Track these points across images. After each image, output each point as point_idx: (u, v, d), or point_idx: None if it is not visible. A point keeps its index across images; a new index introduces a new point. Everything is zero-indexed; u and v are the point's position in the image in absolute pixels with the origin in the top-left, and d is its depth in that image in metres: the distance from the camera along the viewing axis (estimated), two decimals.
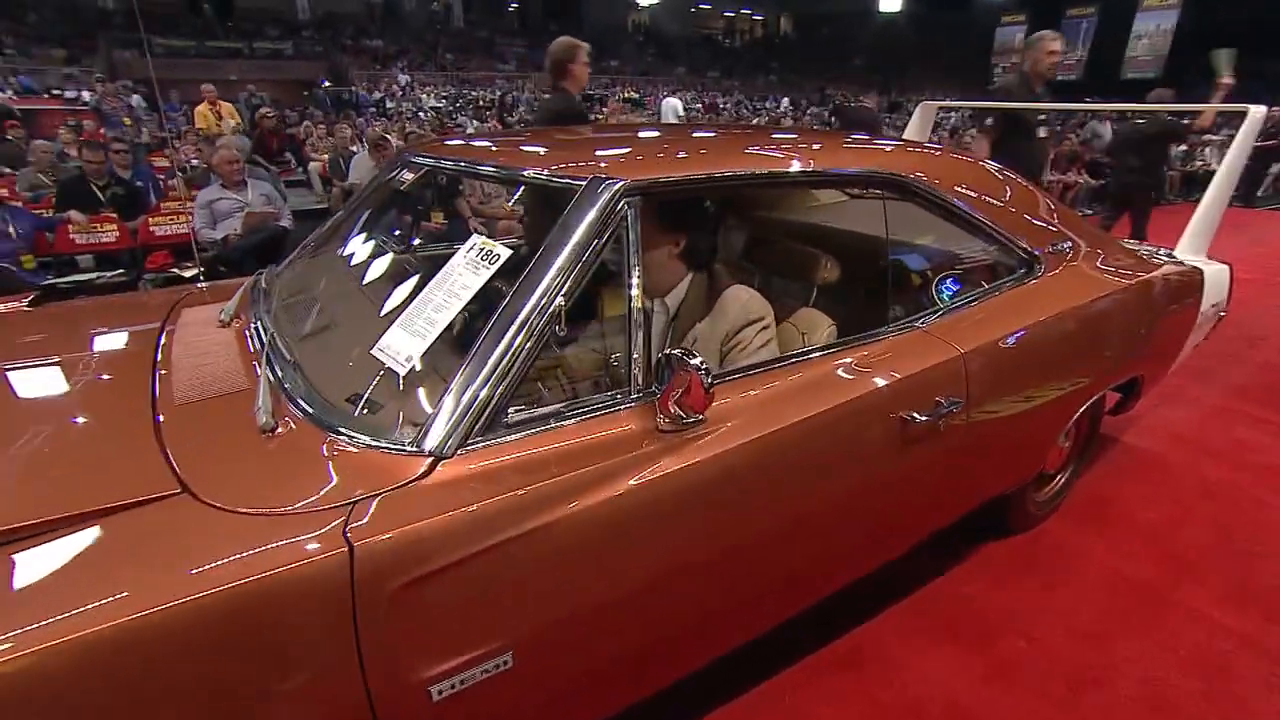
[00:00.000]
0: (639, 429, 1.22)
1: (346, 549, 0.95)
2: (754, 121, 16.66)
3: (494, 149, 1.72)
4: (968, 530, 2.16)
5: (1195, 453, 2.94)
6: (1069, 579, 2.18)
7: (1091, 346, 2.09)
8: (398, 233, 1.80)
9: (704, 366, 1.13)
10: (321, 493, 1.03)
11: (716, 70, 32.10)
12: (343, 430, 1.15)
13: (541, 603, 1.14)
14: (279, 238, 4.72)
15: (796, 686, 1.77)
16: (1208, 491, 2.65)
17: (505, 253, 1.23)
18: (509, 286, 1.20)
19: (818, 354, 1.51)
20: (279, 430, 1.18)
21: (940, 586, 2.15)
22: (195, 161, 8.29)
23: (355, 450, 1.12)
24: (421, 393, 1.18)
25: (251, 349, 1.52)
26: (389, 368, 1.20)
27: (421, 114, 16.35)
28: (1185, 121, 5.50)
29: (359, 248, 1.88)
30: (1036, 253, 1.97)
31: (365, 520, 0.99)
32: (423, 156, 1.79)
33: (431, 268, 1.36)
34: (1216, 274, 2.53)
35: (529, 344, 1.14)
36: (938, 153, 2.26)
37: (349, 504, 1.01)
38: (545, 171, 1.39)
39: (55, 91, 13.87)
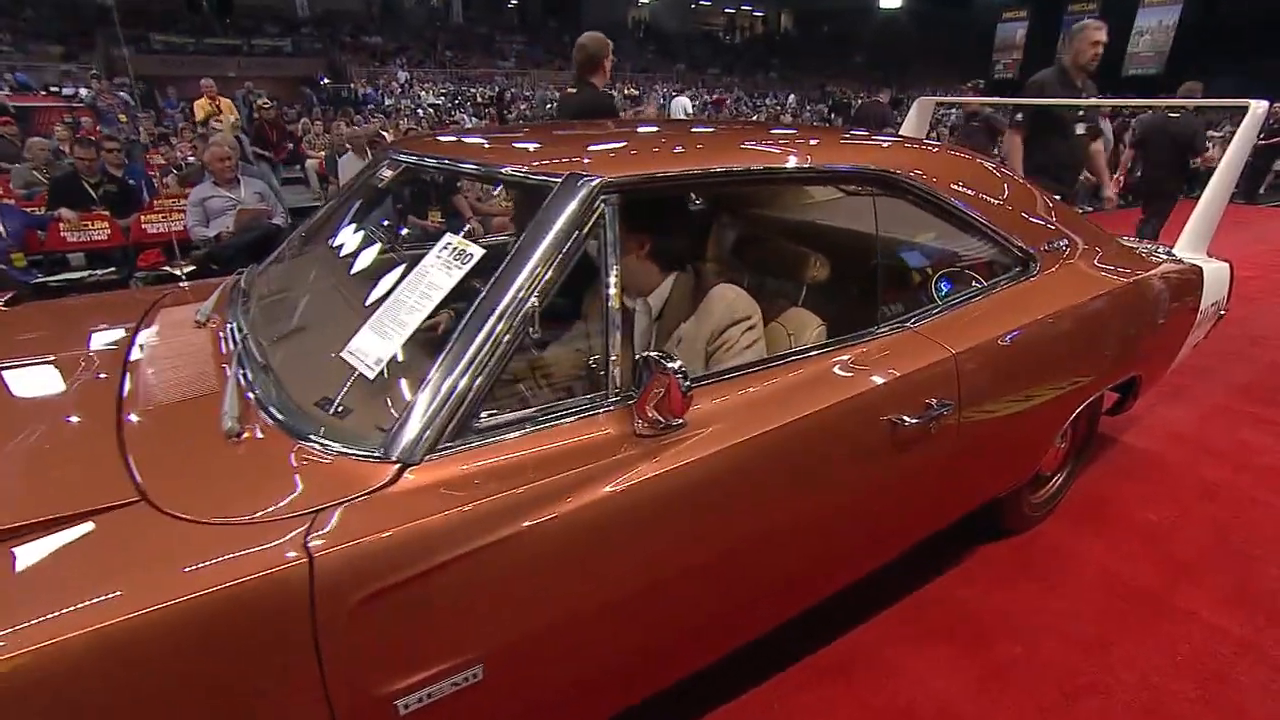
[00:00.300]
0: (617, 433, 1.18)
1: (306, 560, 0.92)
2: (753, 119, 16.61)
3: (475, 145, 1.68)
4: (963, 532, 2.13)
5: (1195, 453, 2.90)
6: (1065, 581, 2.14)
7: (1088, 346, 2.05)
8: (380, 232, 1.76)
9: (682, 370, 1.09)
10: (283, 502, 0.99)
11: (717, 67, 31.99)
12: (309, 436, 1.11)
13: (513, 614, 1.10)
14: (272, 235, 4.69)
15: (786, 694, 1.74)
16: (1207, 492, 2.62)
17: (478, 252, 1.20)
18: (482, 286, 1.16)
19: (804, 355, 1.47)
20: (245, 436, 1.14)
21: (934, 589, 2.11)
22: (191, 159, 8.27)
23: (322, 457, 1.08)
24: (389, 397, 1.14)
25: (225, 351, 1.48)
26: (358, 371, 1.16)
27: (420, 111, 16.32)
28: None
29: (339, 247, 1.83)
30: (1032, 251, 1.93)
31: (327, 530, 0.95)
32: (405, 154, 1.75)
33: (411, 268, 1.32)
34: (1217, 272, 2.49)
35: (501, 347, 1.10)
36: (934, 149, 2.22)
37: (310, 513, 0.97)
38: (524, 168, 1.35)
39: (53, 89, 13.84)
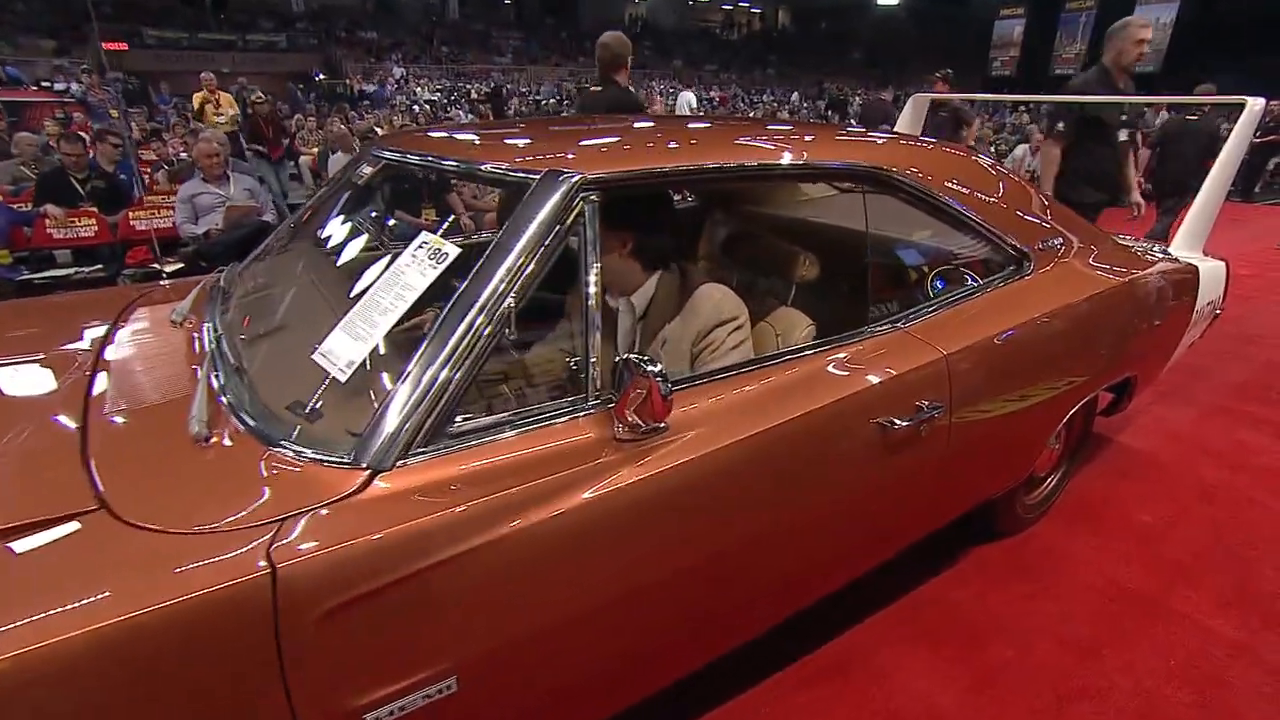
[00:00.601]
0: (597, 438, 1.15)
1: (269, 570, 0.88)
2: (750, 115, 16.54)
3: (457, 141, 1.64)
4: (956, 533, 2.10)
5: (1192, 453, 2.88)
6: (1060, 584, 2.12)
7: (1083, 347, 2.02)
8: (361, 230, 1.72)
9: (662, 373, 1.06)
10: (248, 510, 0.96)
11: (714, 64, 31.90)
12: (278, 441, 1.08)
13: (487, 623, 1.07)
14: (261, 232, 4.64)
15: (777, 697, 1.71)
16: (1204, 493, 2.60)
17: (454, 251, 1.16)
18: (460, 285, 1.12)
19: (791, 356, 1.44)
20: (213, 441, 1.11)
21: (926, 591, 2.09)
22: (183, 155, 8.19)
23: (290, 463, 1.05)
24: (360, 401, 1.10)
25: (199, 352, 1.44)
26: (330, 375, 1.12)
27: (415, 107, 16.24)
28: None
29: (318, 246, 1.80)
30: (1027, 250, 1.90)
31: (291, 539, 0.92)
32: (386, 151, 1.71)
33: (389, 267, 1.28)
34: (1212, 271, 2.46)
35: (476, 349, 1.07)
36: (928, 146, 2.18)
37: (275, 522, 0.93)
38: (503, 165, 1.31)
39: (45, 84, 13.73)
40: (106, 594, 0.83)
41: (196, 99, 8.27)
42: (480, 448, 1.08)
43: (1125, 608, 2.03)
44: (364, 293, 1.22)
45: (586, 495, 1.10)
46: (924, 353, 1.56)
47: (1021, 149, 8.78)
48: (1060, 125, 3.31)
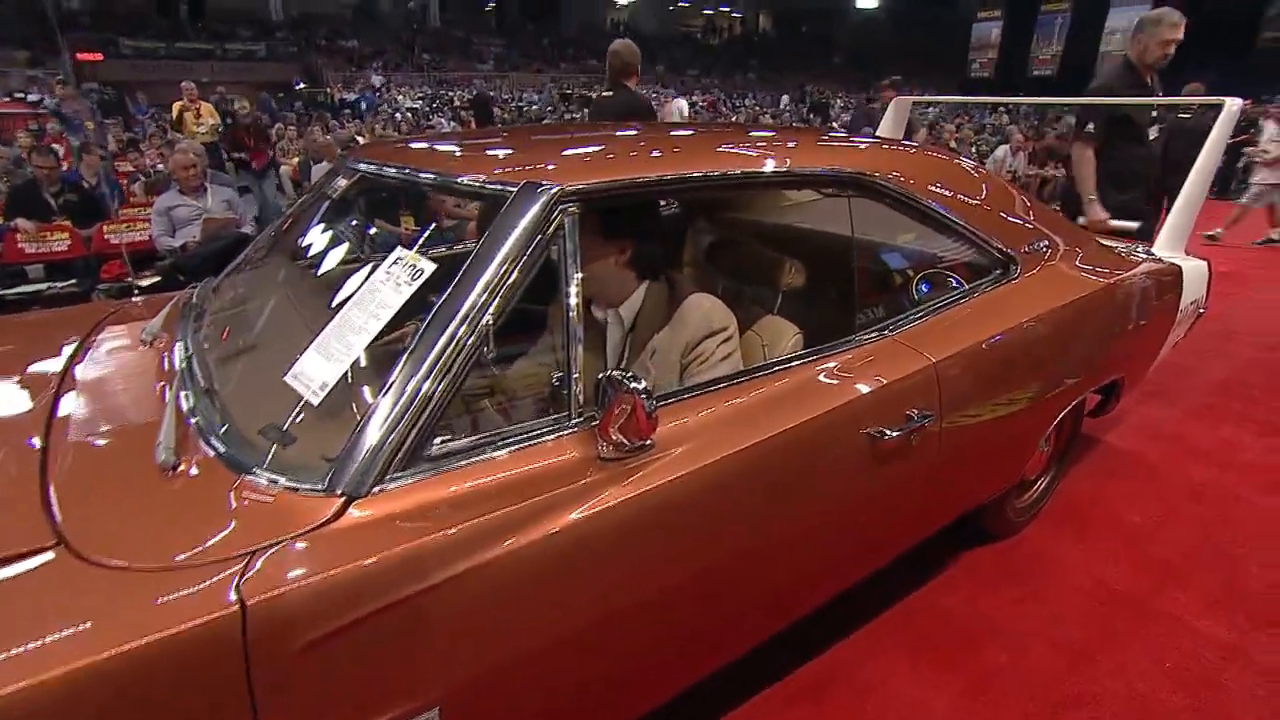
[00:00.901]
0: (580, 457, 1.12)
1: (238, 608, 0.84)
2: (733, 119, 16.57)
3: (433, 152, 1.61)
4: (947, 537, 2.08)
5: (1178, 452, 2.89)
6: (1051, 587, 2.11)
7: (1072, 349, 2.01)
8: (337, 244, 1.68)
9: (646, 389, 1.03)
10: (216, 543, 0.91)
11: (696, 69, 32.03)
12: (249, 468, 1.04)
13: (469, 652, 1.03)
14: (240, 245, 4.56)
15: (765, 715, 1.68)
16: (1192, 492, 2.60)
17: (430, 267, 1.12)
18: (434, 303, 1.09)
19: (780, 367, 1.41)
20: (181, 469, 1.06)
21: (918, 598, 2.07)
22: (160, 166, 8.06)
23: (262, 491, 1.01)
24: (334, 425, 1.06)
25: (169, 373, 1.39)
26: (303, 397, 1.08)
27: (398, 115, 16.13)
28: None
29: (294, 260, 1.75)
30: (1013, 253, 1.89)
31: (261, 573, 0.88)
32: (364, 163, 1.67)
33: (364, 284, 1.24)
34: (1195, 270, 2.47)
35: (453, 369, 1.03)
36: (910, 150, 2.18)
37: (245, 555, 0.89)
38: (480, 177, 1.27)
39: (18, 95, 13.49)
40: (62, 637, 0.79)
41: (175, 108, 8.12)
42: (460, 471, 1.05)
43: (1116, 610, 2.02)
44: (339, 310, 1.18)
45: (571, 518, 1.07)
46: (913, 360, 1.54)
47: (1002, 150, 8.86)
48: (1090, 126, 3.10)
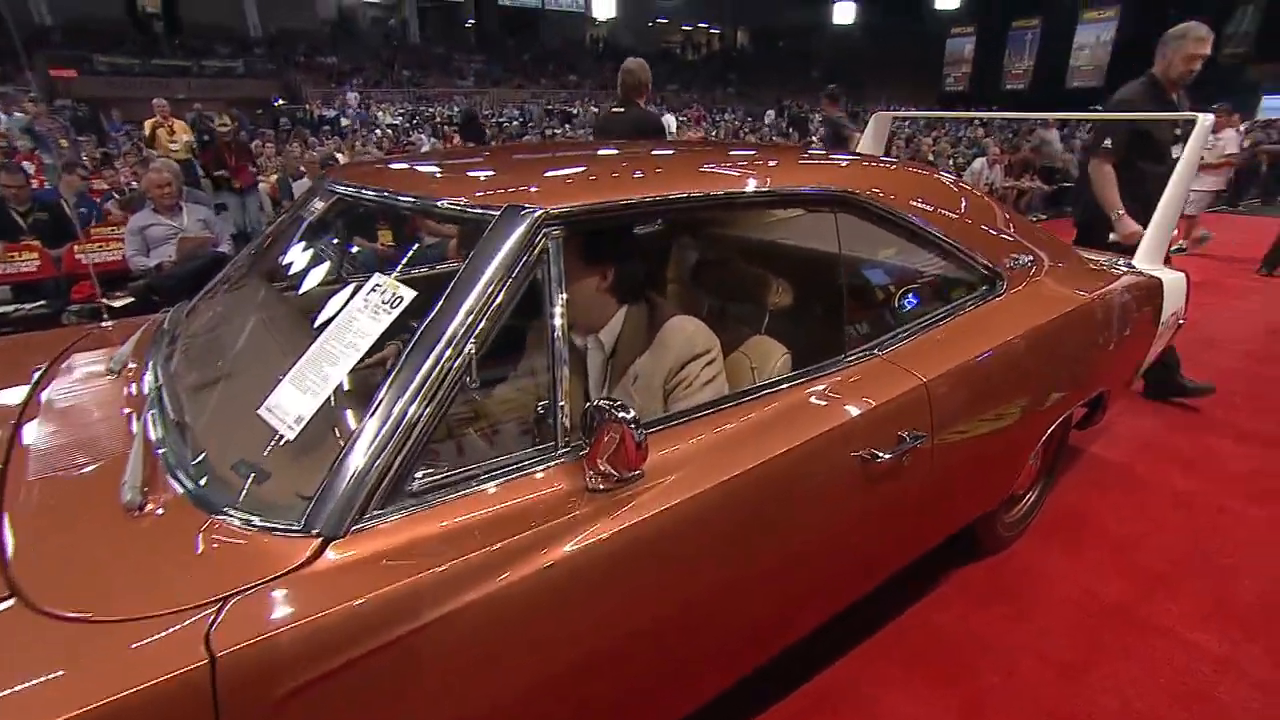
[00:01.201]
0: (568, 489, 1.08)
1: (207, 661, 0.79)
2: (713, 135, 16.67)
3: (413, 174, 1.57)
4: (937, 554, 2.06)
5: (1163, 462, 2.91)
6: (1042, 603, 2.10)
7: (1061, 364, 2.01)
8: (315, 269, 1.63)
9: (635, 419, 1.00)
10: (185, 589, 0.86)
11: (675, 84, 32.28)
12: (221, 508, 0.99)
13: (456, 698, 0.98)
14: (217, 264, 4.48)
15: None
16: (1179, 502, 2.61)
17: (409, 294, 1.09)
18: (413, 332, 1.05)
19: (768, 390, 1.39)
20: (148, 509, 1.01)
21: (910, 616, 2.05)
22: (135, 184, 7.92)
23: (234, 533, 0.96)
24: (310, 461, 1.02)
25: (137, 405, 1.34)
26: (277, 431, 1.04)
27: (378, 131, 16.04)
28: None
29: (272, 283, 1.70)
30: (998, 269, 1.89)
31: (232, 622, 0.83)
32: (340, 185, 1.62)
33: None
34: (1175, 282, 2.50)
35: (435, 400, 0.99)
36: (891, 166, 2.18)
37: (215, 603, 0.84)
38: (461, 200, 1.24)
39: None
40: (15, 695, 0.73)
41: (148, 125, 7.99)
42: (443, 506, 1.01)
43: (1108, 624, 2.02)
44: (315, 339, 1.14)
45: (559, 553, 1.03)
46: (903, 380, 1.53)
47: (979, 162, 8.99)
48: (1107, 141, 2.95)
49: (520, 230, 1.10)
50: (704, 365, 1.42)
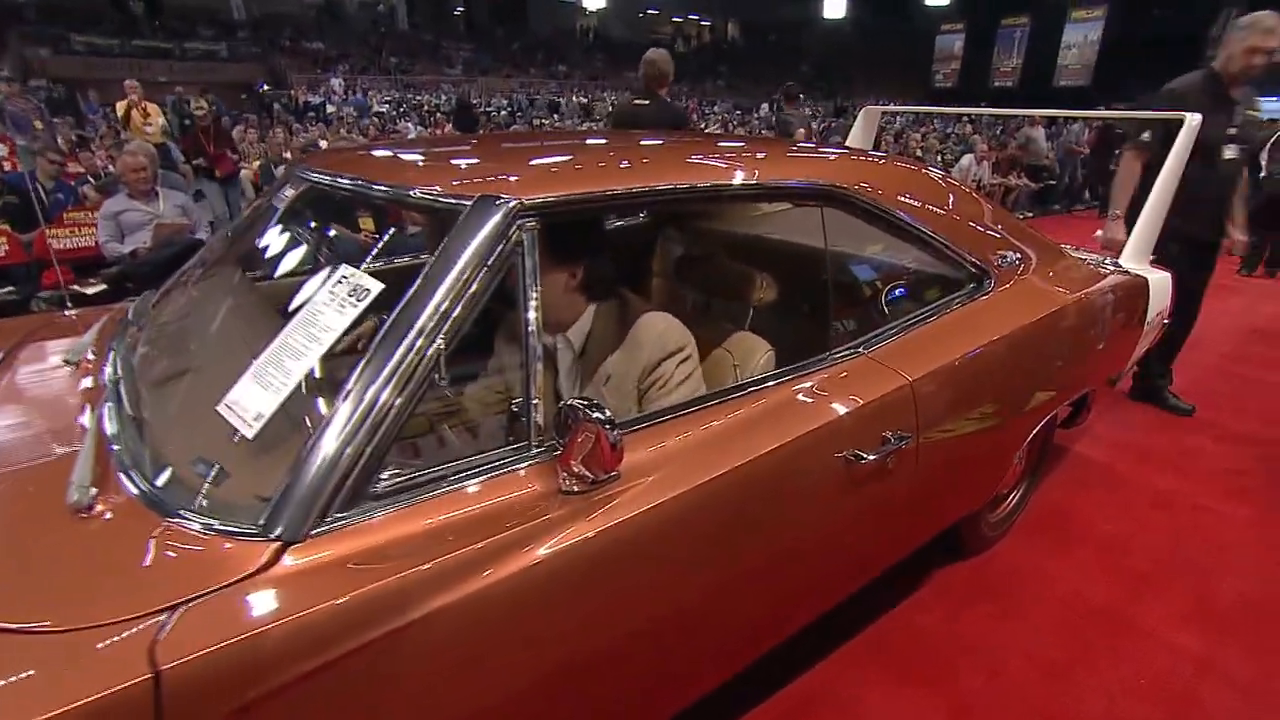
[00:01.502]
0: (541, 491, 1.04)
1: (150, 676, 0.74)
2: (703, 128, 16.58)
3: (386, 161, 1.51)
4: (920, 554, 2.05)
5: (1144, 461, 2.91)
6: (1026, 603, 2.09)
7: (1048, 364, 1.99)
8: (288, 256, 1.57)
9: (610, 419, 0.95)
10: (130, 598, 0.81)
11: None
12: (174, 509, 0.94)
13: (422, 706, 0.94)
14: (193, 251, 4.37)
15: None
16: (1159, 501, 2.62)
17: (376, 286, 1.04)
18: (380, 326, 1.00)
19: (751, 389, 1.35)
20: (97, 510, 0.96)
21: (893, 618, 2.03)
22: (111, 168, 7.72)
23: (187, 536, 0.91)
24: (270, 461, 0.97)
25: (93, 399, 1.28)
26: (237, 429, 0.99)
27: (365, 119, 15.80)
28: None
29: (241, 273, 1.64)
30: (986, 267, 1.87)
31: (179, 634, 0.78)
32: (314, 172, 1.56)
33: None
34: (1160, 282, 2.49)
35: (401, 398, 0.95)
36: (880, 160, 2.14)
37: (161, 612, 0.79)
38: (434, 189, 1.19)
39: None
40: None
41: (120, 106, 7.76)
42: (408, 509, 0.96)
43: (1092, 624, 2.01)
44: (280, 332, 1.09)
45: (532, 558, 0.99)
46: (889, 379, 1.50)
47: (967, 159, 8.99)
48: (1145, 135, 2.73)
49: (493, 221, 1.05)
50: (678, 364, 1.37)
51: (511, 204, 1.06)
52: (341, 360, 1.06)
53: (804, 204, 1.62)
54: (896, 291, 1.85)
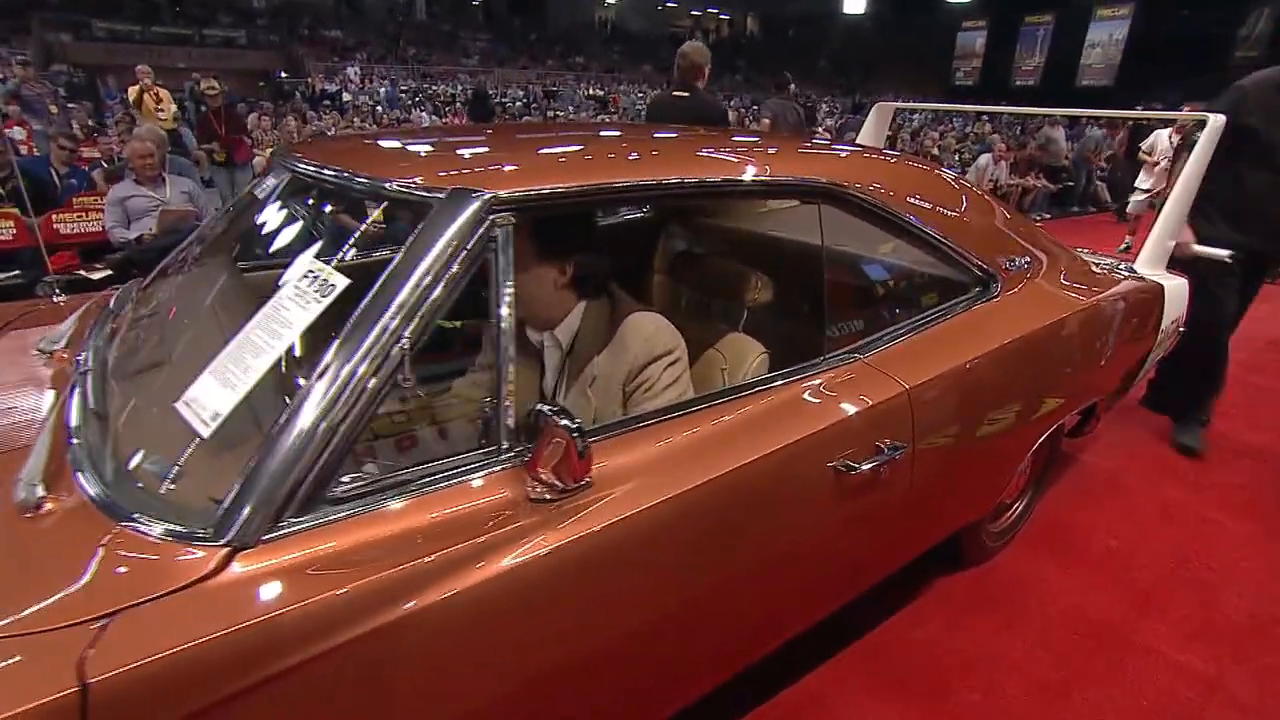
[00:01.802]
0: (510, 498, 0.99)
1: (77, 689, 0.71)
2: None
3: (369, 151, 1.47)
4: (917, 564, 1.99)
5: (1150, 471, 2.83)
6: (1026, 618, 2.03)
7: (1055, 373, 1.92)
8: (268, 247, 1.53)
9: (578, 427, 0.91)
10: (65, 605, 0.78)
11: None
12: (125, 511, 0.90)
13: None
14: None
15: None
16: (1165, 513, 2.55)
17: (342, 282, 0.99)
18: (344, 323, 0.96)
19: (740, 394, 1.30)
20: (46, 509, 0.92)
21: (889, 630, 1.97)
22: (125, 153, 7.75)
23: (136, 539, 0.87)
24: (226, 462, 0.93)
25: (58, 391, 1.24)
26: (194, 428, 0.95)
27: (379, 108, 15.81)
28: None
29: (223, 265, 1.60)
30: (993, 270, 1.80)
31: (112, 644, 0.74)
32: (294, 162, 1.51)
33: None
34: (1176, 288, 2.40)
35: (362, 398, 0.90)
36: (890, 159, 2.08)
37: (95, 621, 0.76)
38: (407, 181, 1.13)
39: None
40: None
41: (132, 91, 7.79)
42: (368, 515, 0.92)
43: (1092, 641, 1.95)
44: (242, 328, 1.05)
45: (497, 568, 0.94)
46: (885, 386, 1.43)
47: (985, 158, 8.84)
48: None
49: (465, 216, 1.00)
50: (665, 367, 1.32)
51: (485, 197, 1.02)
52: (304, 358, 1.02)
53: (804, 202, 1.55)
54: (898, 294, 1.78)
